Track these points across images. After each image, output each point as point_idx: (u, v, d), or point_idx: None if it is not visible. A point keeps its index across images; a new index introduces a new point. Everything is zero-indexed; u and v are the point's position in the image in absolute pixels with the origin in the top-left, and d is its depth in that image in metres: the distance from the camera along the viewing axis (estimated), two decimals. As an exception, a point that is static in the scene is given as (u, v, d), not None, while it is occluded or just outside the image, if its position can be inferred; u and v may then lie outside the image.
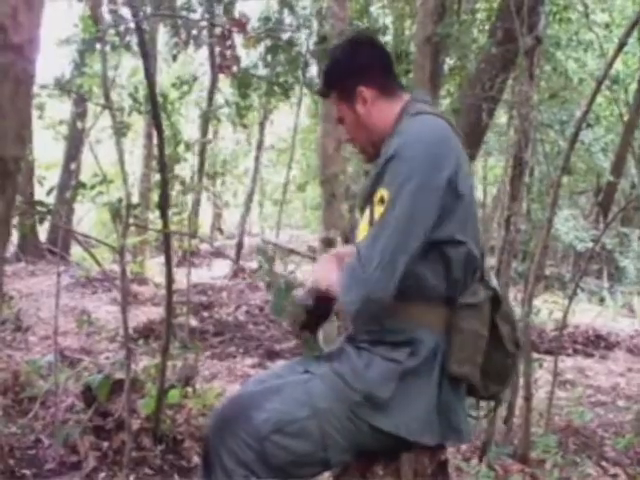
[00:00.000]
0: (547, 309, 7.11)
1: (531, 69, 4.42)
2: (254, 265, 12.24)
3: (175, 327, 4.59)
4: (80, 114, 13.30)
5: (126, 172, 3.32)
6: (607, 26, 10.32)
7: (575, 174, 14.07)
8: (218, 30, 3.27)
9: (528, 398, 4.02)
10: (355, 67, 2.01)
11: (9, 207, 1.18)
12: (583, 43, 9.93)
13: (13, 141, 1.13)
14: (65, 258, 10.45)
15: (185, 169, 8.47)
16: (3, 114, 1.10)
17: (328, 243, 4.13)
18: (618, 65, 10.84)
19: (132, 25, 3.23)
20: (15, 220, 3.17)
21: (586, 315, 9.80)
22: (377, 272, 1.74)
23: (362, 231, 1.87)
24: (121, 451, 3.31)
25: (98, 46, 3.32)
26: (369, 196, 1.86)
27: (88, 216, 13.14)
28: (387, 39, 9.39)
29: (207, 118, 13.94)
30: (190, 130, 16.66)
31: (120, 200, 3.20)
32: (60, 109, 13.42)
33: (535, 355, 5.16)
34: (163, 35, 11.47)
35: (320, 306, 2.04)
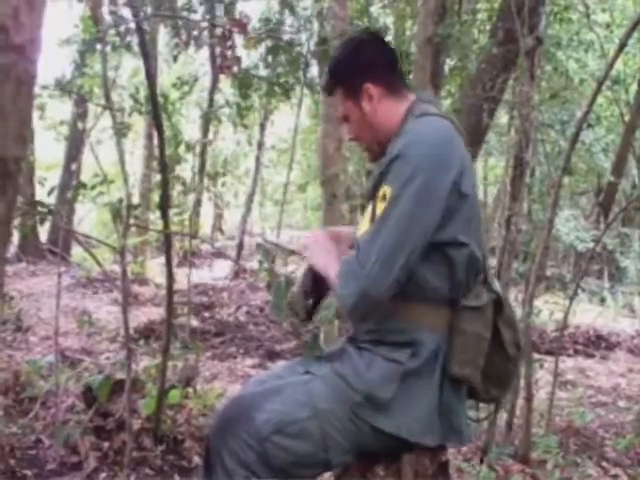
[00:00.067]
0: (548, 310, 7.12)
1: (532, 69, 4.42)
2: (255, 265, 12.21)
3: (176, 327, 4.59)
4: (81, 114, 13.30)
5: (127, 172, 3.32)
6: (608, 26, 10.30)
7: (576, 174, 14.07)
8: (219, 31, 3.27)
9: (529, 399, 4.02)
10: (362, 63, 2.00)
11: (10, 208, 1.18)
12: (584, 43, 9.93)
13: (14, 141, 1.13)
14: (66, 258, 10.45)
15: (186, 169, 8.48)
16: (4, 114, 1.10)
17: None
18: (619, 65, 10.83)
19: (133, 26, 3.23)
20: (16, 220, 3.17)
21: (587, 315, 9.80)
22: (375, 268, 1.74)
23: (363, 227, 1.87)
24: (122, 451, 3.31)
25: (99, 46, 3.32)
26: (372, 193, 1.86)
27: (89, 216, 13.12)
28: (388, 40, 9.38)
29: (208, 118, 13.95)
30: (191, 130, 16.67)
31: (121, 200, 3.20)
32: (61, 110, 13.43)
33: (536, 356, 5.16)
34: (164, 36, 11.49)
35: (317, 288, 2.03)
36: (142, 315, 7.97)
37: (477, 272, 1.91)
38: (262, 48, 8.65)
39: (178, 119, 11.66)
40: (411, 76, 5.75)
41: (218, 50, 3.27)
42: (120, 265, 3.16)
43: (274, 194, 22.96)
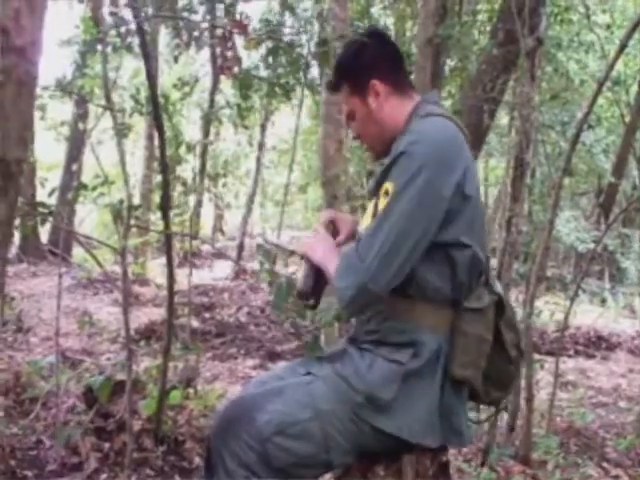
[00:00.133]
0: (548, 310, 7.11)
1: (532, 70, 4.42)
2: (255, 266, 12.20)
3: (176, 328, 4.59)
4: (81, 115, 13.31)
5: (127, 173, 3.31)
6: (608, 27, 10.29)
7: (576, 175, 14.06)
8: (219, 31, 3.28)
9: (529, 399, 4.02)
10: (369, 59, 2.01)
11: (11, 208, 1.18)
12: (584, 44, 9.92)
13: (15, 143, 1.13)
14: (66, 259, 10.45)
15: (186, 170, 8.46)
16: (6, 116, 1.11)
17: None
18: (619, 66, 10.81)
19: (133, 26, 3.23)
20: (17, 221, 3.17)
21: (587, 316, 9.79)
22: (375, 262, 1.74)
23: (365, 222, 1.88)
24: (122, 452, 3.31)
25: (99, 47, 3.32)
26: (376, 189, 1.86)
27: (90, 217, 13.10)
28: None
29: (208, 119, 13.95)
30: (191, 131, 16.65)
31: (121, 201, 3.20)
32: (61, 110, 13.42)
33: (536, 356, 5.16)
34: (164, 36, 11.50)
35: (318, 284, 2.04)
36: (143, 316, 7.97)
37: (479, 274, 1.91)
38: (262, 49, 8.66)
39: (179, 120, 11.65)
40: (411, 77, 5.74)
41: (219, 51, 3.27)
42: (121, 266, 3.16)
43: (275, 195, 22.96)
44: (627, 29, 3.67)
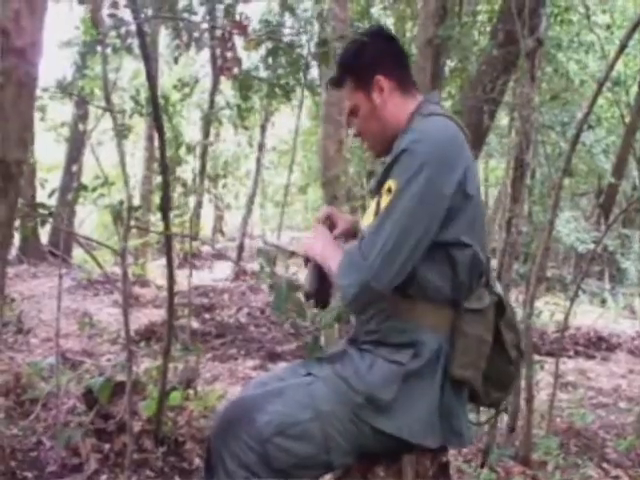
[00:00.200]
0: (548, 311, 7.10)
1: (532, 71, 4.42)
2: (255, 267, 12.21)
3: (176, 329, 4.59)
4: (81, 116, 13.30)
5: (127, 174, 3.31)
6: (608, 27, 10.29)
7: (576, 176, 14.05)
8: (219, 32, 3.27)
9: (529, 400, 4.02)
10: (374, 55, 2.01)
11: (11, 210, 1.18)
12: (584, 45, 9.92)
13: (15, 144, 1.13)
14: (67, 260, 10.45)
15: (186, 171, 8.46)
16: (6, 117, 1.11)
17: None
18: (619, 67, 10.81)
19: (133, 28, 3.23)
20: (17, 222, 3.17)
21: (587, 317, 9.79)
22: (378, 260, 1.74)
23: (367, 219, 1.88)
24: (122, 453, 3.31)
25: (99, 48, 3.31)
26: (378, 187, 1.86)
27: (90, 218, 13.13)
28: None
29: (208, 120, 13.94)
30: (191, 132, 16.65)
31: (121, 202, 3.20)
32: (61, 111, 13.42)
33: (536, 357, 5.16)
34: (164, 37, 11.50)
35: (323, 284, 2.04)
36: (143, 317, 7.97)
37: (480, 274, 1.92)
38: (262, 50, 8.66)
39: (179, 121, 11.65)
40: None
41: (219, 52, 3.27)
42: (121, 267, 3.16)
43: (275, 196, 22.97)
44: (627, 29, 3.67)
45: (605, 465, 4.22)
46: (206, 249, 15.20)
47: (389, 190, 1.78)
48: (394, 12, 10.40)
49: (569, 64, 10.08)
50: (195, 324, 7.49)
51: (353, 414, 1.83)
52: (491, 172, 15.24)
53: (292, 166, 14.68)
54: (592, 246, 10.56)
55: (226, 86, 14.18)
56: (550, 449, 4.12)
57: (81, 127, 13.31)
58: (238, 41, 3.26)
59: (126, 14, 3.28)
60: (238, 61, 3.29)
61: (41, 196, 9.36)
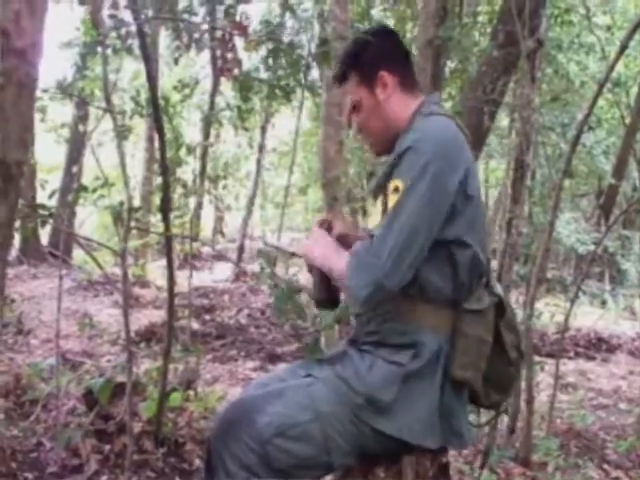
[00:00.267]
0: (549, 312, 7.10)
1: (533, 72, 4.42)
2: (256, 268, 12.21)
3: (177, 330, 4.59)
4: (82, 117, 13.30)
5: (128, 175, 3.31)
6: (609, 29, 10.29)
7: (577, 177, 14.05)
8: (219, 33, 3.27)
9: (530, 401, 4.02)
10: (379, 50, 2.01)
11: (12, 210, 1.18)
12: (585, 46, 9.92)
13: (16, 145, 1.13)
14: (67, 261, 10.45)
15: (187, 172, 8.46)
16: (6, 118, 1.11)
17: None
18: (620, 68, 10.81)
19: (134, 28, 3.23)
20: (17, 223, 3.17)
21: (588, 318, 9.79)
22: (390, 259, 1.73)
23: (373, 220, 1.87)
24: (123, 454, 3.31)
25: (99, 49, 3.32)
26: (382, 187, 1.86)
27: (90, 219, 13.12)
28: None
29: (209, 121, 13.94)
30: (192, 133, 16.64)
31: (122, 203, 3.20)
32: (62, 112, 13.42)
33: (537, 358, 5.16)
34: (165, 38, 11.48)
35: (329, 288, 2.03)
36: (143, 318, 7.97)
37: (480, 275, 1.92)
38: (263, 50, 8.65)
39: (179, 122, 11.66)
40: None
41: (219, 53, 3.27)
42: (121, 268, 3.16)
43: (275, 197, 22.96)
44: (627, 30, 3.67)
45: (605, 466, 4.22)
46: (206, 250, 15.20)
47: (396, 189, 1.78)
48: (394, 13, 10.39)
49: (569, 65, 10.09)
50: (195, 325, 7.49)
51: (353, 415, 1.83)
52: (491, 173, 15.24)
53: (292, 167, 14.69)
54: (592, 247, 10.56)
55: (226, 87, 14.18)
56: (550, 450, 4.12)
57: (81, 128, 13.31)
58: (238, 42, 3.26)
59: (126, 15, 3.28)
60: (238, 62, 3.29)
61: (41, 197, 9.35)
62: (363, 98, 2.01)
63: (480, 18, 8.93)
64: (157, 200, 9.90)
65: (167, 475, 3.43)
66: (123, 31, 3.48)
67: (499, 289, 2.02)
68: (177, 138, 7.56)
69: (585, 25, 8.76)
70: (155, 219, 9.75)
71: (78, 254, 12.63)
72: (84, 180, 11.57)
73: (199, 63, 17.02)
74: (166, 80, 15.69)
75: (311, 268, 2.04)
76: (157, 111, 3.13)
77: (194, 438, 3.67)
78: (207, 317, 8.55)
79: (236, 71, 3.32)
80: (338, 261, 1.88)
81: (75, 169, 13.34)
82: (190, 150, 7.18)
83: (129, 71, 14.04)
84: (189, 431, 3.70)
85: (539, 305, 6.26)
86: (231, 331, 7.81)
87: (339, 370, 1.89)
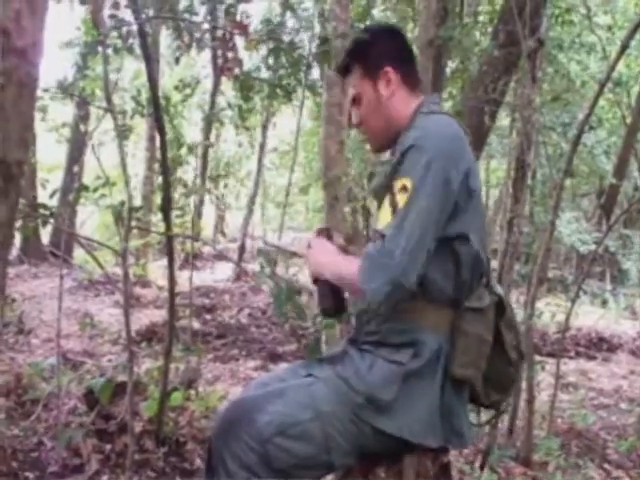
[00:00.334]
0: (550, 312, 7.09)
1: (533, 71, 4.42)
2: (257, 268, 12.23)
3: (178, 330, 4.59)
4: (83, 117, 13.29)
5: (128, 175, 3.31)
6: (610, 28, 10.28)
7: (578, 176, 14.05)
8: (220, 32, 3.28)
9: (530, 401, 4.02)
10: (384, 45, 2.02)
11: (12, 210, 1.18)
12: (585, 45, 9.91)
13: (16, 145, 1.13)
14: (68, 261, 10.46)
15: (188, 172, 8.47)
16: (6, 117, 1.11)
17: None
18: (621, 67, 10.81)
19: (134, 28, 3.23)
20: (18, 223, 3.18)
21: (589, 317, 9.78)
22: (405, 258, 1.72)
23: (382, 220, 1.85)
24: (124, 454, 3.31)
25: (100, 49, 3.32)
26: (387, 186, 1.85)
27: (91, 219, 13.13)
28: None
29: (210, 121, 13.94)
30: (193, 133, 16.64)
31: (123, 203, 3.20)
32: (62, 112, 13.42)
33: (537, 358, 5.16)
34: (165, 38, 11.50)
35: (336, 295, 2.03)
36: (144, 317, 7.97)
37: (481, 274, 1.92)
38: (263, 50, 8.66)
39: (180, 121, 11.66)
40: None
41: (220, 52, 3.27)
42: (122, 267, 3.16)
43: (276, 196, 22.95)
44: (628, 30, 3.67)
45: (606, 466, 4.22)
46: (207, 250, 15.20)
47: (404, 188, 1.78)
48: (395, 12, 10.38)
49: (570, 65, 10.08)
50: (196, 325, 7.49)
51: (353, 414, 1.83)
52: (492, 173, 15.22)
53: (293, 167, 14.67)
54: (593, 247, 10.55)
55: (227, 87, 14.18)
56: (551, 450, 4.12)
57: (82, 128, 13.30)
58: (239, 41, 3.27)
59: (127, 15, 3.28)
60: (239, 62, 3.29)
61: (42, 196, 9.33)
62: (365, 92, 2.01)
63: (481, 18, 8.93)
64: (158, 200, 9.91)
65: (168, 474, 3.43)
66: (124, 31, 3.48)
67: (499, 289, 2.02)
68: (178, 138, 7.57)
69: (586, 25, 8.76)
70: (156, 219, 9.76)
71: (79, 254, 12.65)
72: (85, 180, 11.57)
73: (200, 62, 17.05)
74: (167, 80, 15.69)
75: (316, 279, 2.03)
76: (158, 111, 3.13)
77: (195, 437, 3.68)
78: (208, 317, 8.55)
79: (237, 70, 3.33)
80: (349, 266, 1.86)
81: (76, 169, 13.33)
82: (191, 149, 7.18)
83: (130, 71, 14.04)
84: (190, 430, 3.70)
85: (540, 304, 6.26)
86: (232, 330, 7.81)
87: (339, 370, 1.89)
